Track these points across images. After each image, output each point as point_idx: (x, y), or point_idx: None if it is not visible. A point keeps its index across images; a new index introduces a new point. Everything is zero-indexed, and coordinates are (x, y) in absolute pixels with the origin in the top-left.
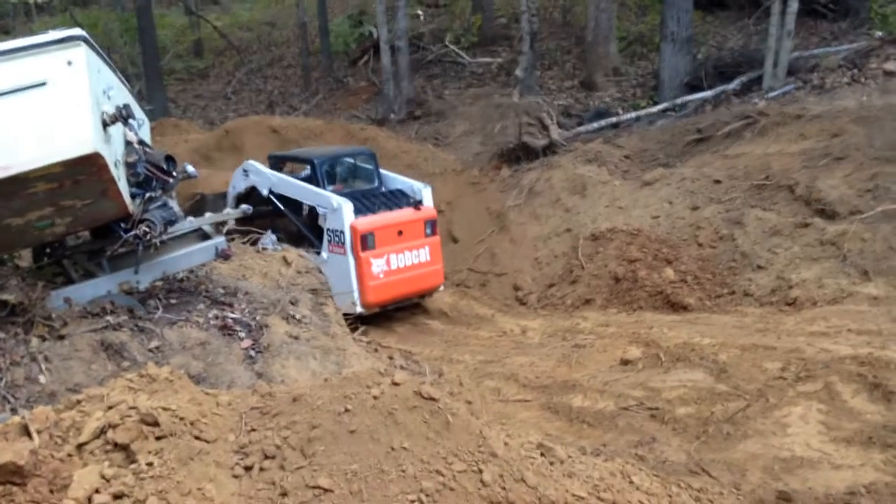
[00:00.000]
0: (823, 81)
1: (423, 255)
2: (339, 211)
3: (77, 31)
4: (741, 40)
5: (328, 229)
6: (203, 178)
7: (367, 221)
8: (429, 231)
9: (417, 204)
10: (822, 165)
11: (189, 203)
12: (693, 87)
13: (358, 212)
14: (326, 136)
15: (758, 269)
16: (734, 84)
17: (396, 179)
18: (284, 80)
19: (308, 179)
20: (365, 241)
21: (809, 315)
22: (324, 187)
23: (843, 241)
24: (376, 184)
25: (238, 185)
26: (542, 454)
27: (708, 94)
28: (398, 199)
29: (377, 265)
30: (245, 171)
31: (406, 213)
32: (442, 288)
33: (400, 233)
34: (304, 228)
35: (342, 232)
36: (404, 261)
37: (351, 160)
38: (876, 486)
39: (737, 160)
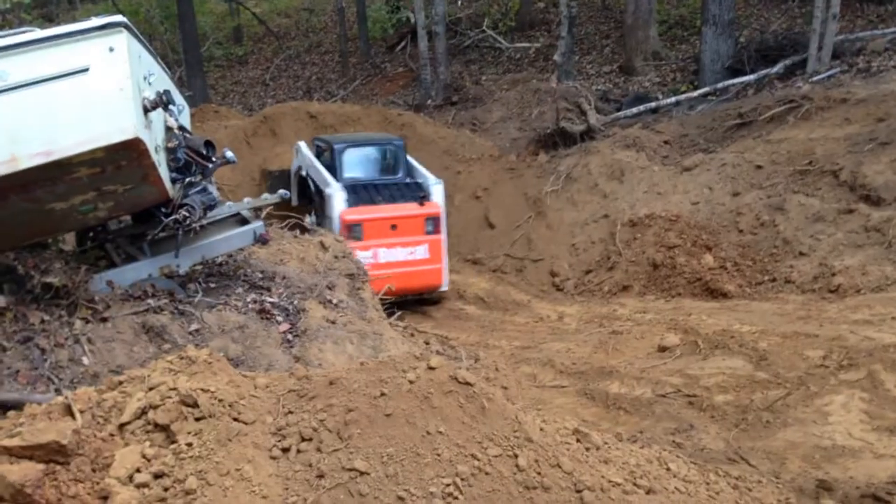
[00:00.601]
0: (869, 65)
1: (420, 252)
2: (332, 198)
3: (119, 18)
4: (785, 23)
5: (326, 215)
6: (276, 154)
7: (357, 212)
8: (430, 228)
9: (422, 199)
10: (867, 150)
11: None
12: (735, 72)
13: (357, 202)
14: (364, 121)
15: (800, 255)
16: (777, 68)
17: (419, 171)
18: (322, 66)
19: (329, 165)
20: (350, 231)
21: (853, 303)
22: (340, 174)
23: (889, 228)
24: (400, 174)
25: (293, 164)
26: (577, 440)
27: (750, 78)
28: (407, 192)
29: (361, 257)
30: (295, 150)
31: (406, 208)
32: (444, 288)
33: (394, 227)
34: (319, 212)
35: (332, 219)
36: (395, 256)
37: (374, 148)
38: None
39: (779, 145)
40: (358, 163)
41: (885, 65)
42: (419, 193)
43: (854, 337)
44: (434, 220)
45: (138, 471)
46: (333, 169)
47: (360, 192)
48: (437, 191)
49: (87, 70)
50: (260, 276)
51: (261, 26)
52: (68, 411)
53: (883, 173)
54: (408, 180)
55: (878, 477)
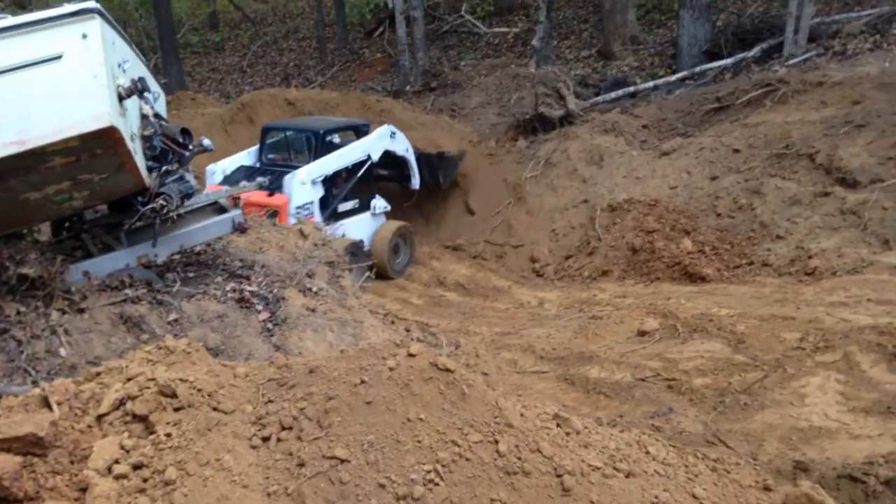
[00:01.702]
0: (845, 48)
1: None
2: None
3: (91, 4)
4: (761, 6)
5: None
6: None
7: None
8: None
9: (272, 190)
10: (843, 133)
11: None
12: (712, 55)
13: (225, 182)
14: (342, 108)
15: (777, 238)
16: (754, 51)
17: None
18: (300, 53)
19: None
20: None
21: (829, 285)
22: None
23: (864, 210)
24: (307, 161)
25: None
26: (558, 425)
27: (727, 61)
28: (281, 181)
29: None
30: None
31: (258, 195)
32: None
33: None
34: None
35: None
36: None
37: (295, 133)
38: (894, 455)
39: (756, 129)
40: (277, 147)
41: (861, 47)
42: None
43: (830, 319)
44: (274, 213)
45: (117, 462)
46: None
47: (252, 175)
48: (290, 183)
49: (60, 57)
50: (239, 264)
51: (237, 12)
52: (45, 403)
53: (858, 156)
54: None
55: (854, 457)
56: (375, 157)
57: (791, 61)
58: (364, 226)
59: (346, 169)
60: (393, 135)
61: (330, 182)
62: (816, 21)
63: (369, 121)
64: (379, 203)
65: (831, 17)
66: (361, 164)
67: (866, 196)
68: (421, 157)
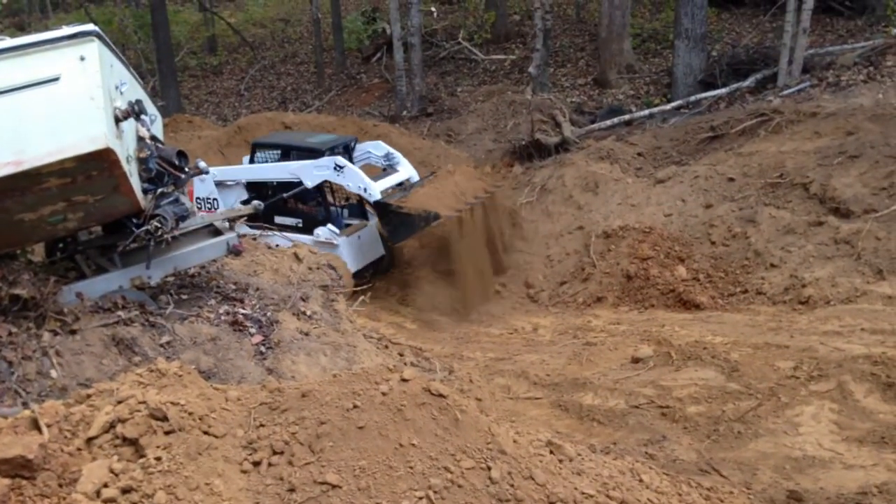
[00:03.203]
0: (839, 79)
1: None
2: None
3: (90, 27)
4: (756, 37)
5: None
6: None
7: None
8: None
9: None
10: (836, 163)
11: None
12: (707, 85)
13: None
14: (339, 132)
15: (771, 267)
16: (749, 81)
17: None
18: (297, 77)
19: None
20: None
21: (823, 314)
22: None
23: (858, 240)
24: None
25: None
26: (551, 452)
27: (722, 91)
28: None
29: None
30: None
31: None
32: None
33: None
34: None
35: None
36: None
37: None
38: (888, 486)
39: (751, 158)
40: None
41: (854, 79)
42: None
43: (824, 348)
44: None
45: (106, 486)
46: None
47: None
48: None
49: (57, 79)
50: (233, 287)
51: (236, 36)
52: (35, 425)
53: (852, 186)
54: None
55: (848, 487)
56: (309, 183)
57: (785, 92)
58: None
59: (272, 185)
60: (339, 168)
61: (257, 189)
62: (810, 52)
63: (353, 137)
64: (323, 232)
65: (825, 49)
66: (291, 185)
67: (860, 226)
68: (378, 203)
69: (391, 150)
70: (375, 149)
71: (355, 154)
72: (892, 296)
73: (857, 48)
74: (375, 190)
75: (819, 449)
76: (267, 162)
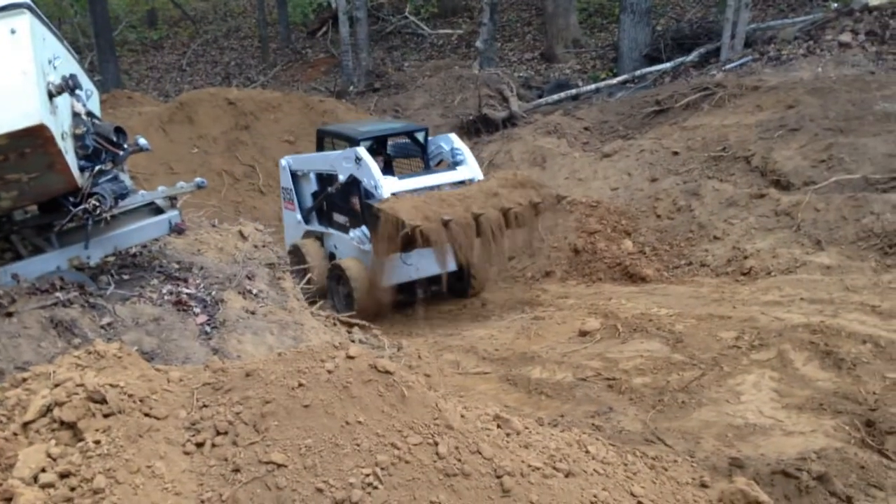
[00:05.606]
0: (780, 53)
1: None
2: None
3: None
4: (700, 12)
5: None
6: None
7: None
8: None
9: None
10: (777, 137)
11: None
12: (652, 59)
13: None
14: (284, 108)
15: (714, 239)
16: (692, 56)
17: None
18: (241, 52)
19: None
20: None
21: (764, 284)
22: None
23: (797, 212)
24: None
25: None
26: (498, 426)
27: (667, 65)
28: None
29: None
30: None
31: None
32: None
33: None
34: None
35: None
36: None
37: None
38: (826, 451)
39: (695, 132)
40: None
41: (795, 53)
42: None
43: (765, 318)
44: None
45: (43, 470)
46: None
47: None
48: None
49: None
50: (176, 266)
51: (176, 10)
52: None
53: (792, 159)
54: None
55: (788, 453)
56: (341, 177)
57: (728, 66)
58: (344, 246)
59: (323, 176)
60: (358, 161)
61: (323, 182)
62: (752, 27)
63: (424, 126)
64: (356, 234)
65: (766, 23)
66: (332, 177)
67: (799, 198)
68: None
69: (459, 145)
70: (446, 142)
71: (430, 148)
72: (829, 266)
73: (797, 22)
74: (385, 190)
75: (760, 416)
76: (332, 151)
